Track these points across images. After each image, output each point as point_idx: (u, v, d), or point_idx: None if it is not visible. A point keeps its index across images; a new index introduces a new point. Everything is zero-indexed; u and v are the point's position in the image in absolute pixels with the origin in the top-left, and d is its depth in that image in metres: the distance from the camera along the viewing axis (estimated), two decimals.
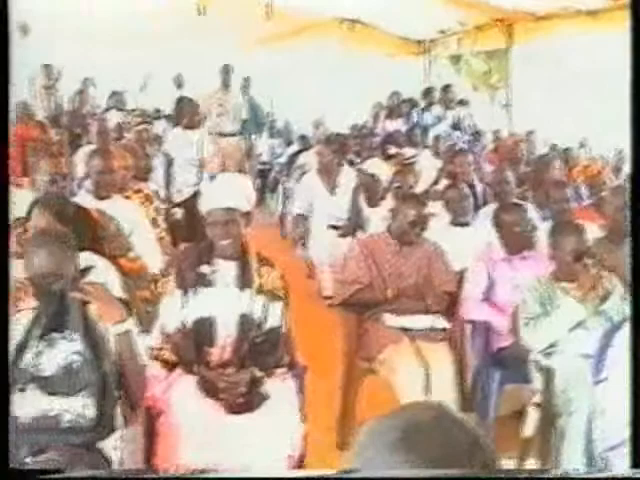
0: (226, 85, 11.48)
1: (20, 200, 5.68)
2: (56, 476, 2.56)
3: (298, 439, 3.88)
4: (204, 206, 4.07)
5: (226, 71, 11.42)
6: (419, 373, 4.61)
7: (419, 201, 5.25)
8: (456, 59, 15.16)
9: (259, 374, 3.89)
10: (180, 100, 10.22)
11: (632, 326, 2.82)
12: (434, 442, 1.47)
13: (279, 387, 3.94)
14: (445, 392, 4.54)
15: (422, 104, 12.16)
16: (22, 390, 3.28)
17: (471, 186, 6.75)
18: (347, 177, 8.17)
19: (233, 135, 11.27)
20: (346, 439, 4.84)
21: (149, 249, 5.38)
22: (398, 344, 4.76)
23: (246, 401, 3.80)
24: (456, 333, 4.94)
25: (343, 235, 7.66)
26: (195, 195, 8.68)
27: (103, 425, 3.32)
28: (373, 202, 7.48)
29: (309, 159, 9.78)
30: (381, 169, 7.96)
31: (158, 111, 12.96)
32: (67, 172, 5.37)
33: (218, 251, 4.04)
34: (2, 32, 2.50)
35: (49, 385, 3.29)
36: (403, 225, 5.06)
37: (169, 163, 8.70)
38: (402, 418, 1.54)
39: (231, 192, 4.06)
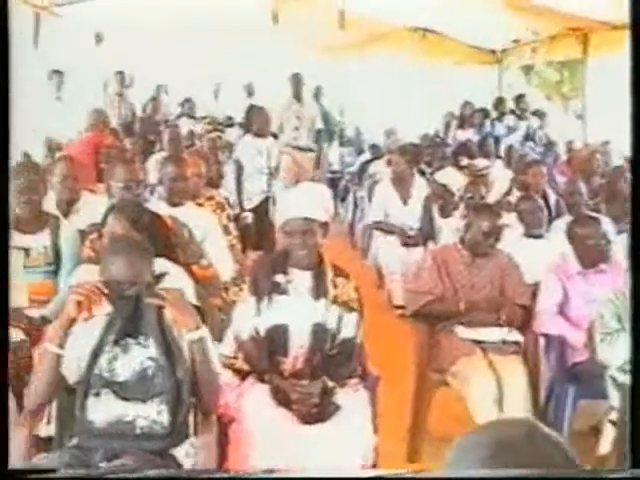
0: (299, 97, 11.44)
1: (94, 206, 5.76)
2: (53, 476, 2.56)
3: (370, 450, 3.85)
4: (281, 215, 4.07)
5: (297, 81, 11.40)
6: (492, 386, 4.56)
7: (493, 212, 5.20)
8: (528, 68, 15.02)
9: (331, 384, 3.88)
10: (250, 108, 10.29)
11: (632, 325, 2.73)
12: (526, 459, 1.45)
13: (351, 398, 3.92)
14: (518, 406, 4.49)
15: (494, 114, 12.07)
16: (97, 395, 3.31)
17: (544, 198, 6.66)
18: (419, 187, 8.15)
19: (310, 150, 11.18)
20: (417, 451, 4.82)
21: (221, 256, 5.39)
22: (471, 356, 4.71)
23: (319, 411, 3.79)
24: (530, 346, 4.87)
25: (414, 245, 7.62)
26: (265, 202, 8.73)
27: (177, 432, 3.32)
28: (446, 212, 7.43)
29: (380, 168, 9.75)
30: (453, 179, 7.91)
31: (230, 118, 13.07)
32: (142, 179, 5.40)
33: (294, 261, 4.04)
34: (2, 32, 2.47)
35: (123, 390, 3.31)
36: (476, 236, 5.01)
37: (240, 170, 8.76)
38: (492, 434, 1.52)
39: (309, 202, 4.04)
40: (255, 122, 9.45)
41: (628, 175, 7.28)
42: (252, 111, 9.95)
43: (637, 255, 2.66)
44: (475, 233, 5.01)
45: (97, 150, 8.41)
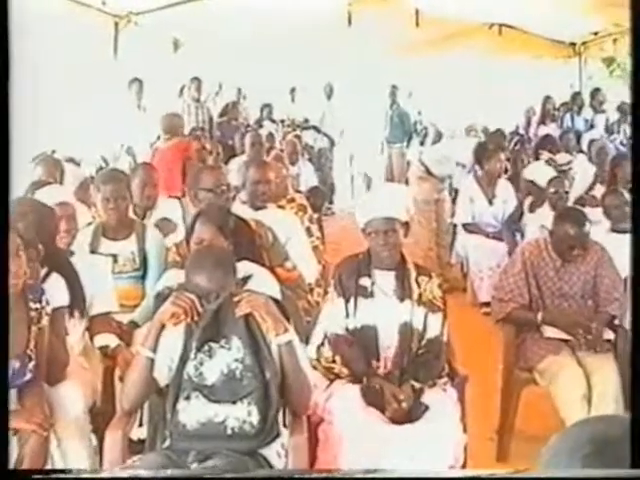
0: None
1: (176, 212, 5.81)
2: (56, 476, 2.59)
3: (459, 450, 3.83)
4: (363, 216, 4.08)
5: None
6: (580, 383, 4.48)
7: (580, 216, 4.94)
8: (610, 60, 14.76)
9: (420, 385, 3.88)
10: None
11: (632, 324, 2.64)
12: (626, 456, 1.43)
13: (440, 397, 3.92)
14: (607, 404, 4.40)
15: (575, 108, 11.90)
16: (187, 398, 3.35)
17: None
18: (503, 185, 8.08)
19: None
20: (506, 450, 4.77)
21: (304, 258, 5.39)
22: (558, 354, 4.64)
23: (408, 411, 3.79)
24: (621, 343, 4.76)
25: (499, 240, 7.58)
26: None
27: (267, 431, 3.35)
28: (532, 208, 7.34)
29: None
30: (540, 174, 7.78)
31: (307, 121, 13.12)
32: (226, 183, 5.42)
33: (377, 262, 4.06)
34: (2, 31, 2.48)
35: (213, 393, 3.34)
36: (563, 243, 4.80)
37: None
38: (589, 432, 1.50)
39: (390, 202, 4.06)
40: None
41: None
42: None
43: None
44: (562, 240, 4.81)
45: (182, 156, 8.43)
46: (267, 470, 3.27)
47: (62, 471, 3.24)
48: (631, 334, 2.58)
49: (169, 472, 3.10)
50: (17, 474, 2.72)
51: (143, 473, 3.07)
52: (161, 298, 3.55)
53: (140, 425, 3.80)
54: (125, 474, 3.05)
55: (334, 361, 4.00)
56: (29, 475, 2.68)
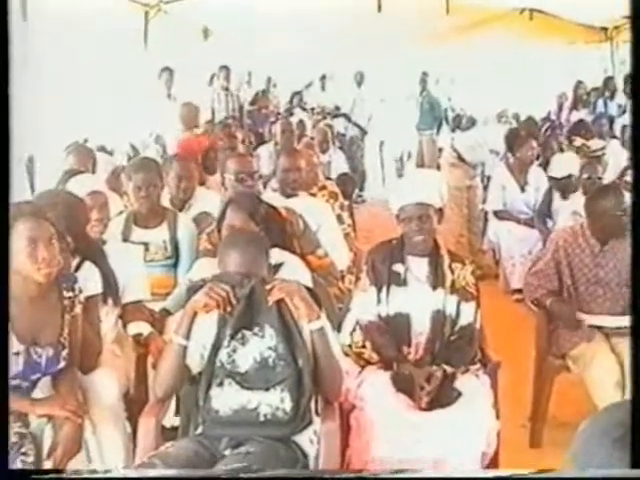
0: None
1: (205, 199, 5.81)
2: (53, 476, 2.59)
3: (492, 436, 3.83)
4: (396, 202, 4.07)
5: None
6: (614, 370, 4.45)
7: (615, 190, 4.86)
8: None
9: (452, 370, 3.87)
10: None
11: (633, 324, 2.61)
12: None
13: (473, 384, 3.91)
14: None
15: (607, 93, 11.81)
16: (220, 385, 3.36)
17: None
18: (536, 171, 8.04)
19: None
20: (538, 437, 4.76)
21: (336, 246, 5.39)
22: (591, 341, 4.61)
23: (440, 397, 3.78)
24: None
25: (531, 226, 7.55)
26: None
27: (300, 418, 3.35)
28: (564, 195, 7.31)
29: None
30: (568, 161, 7.74)
31: (337, 108, 13.10)
32: (255, 171, 5.43)
33: (410, 248, 4.05)
34: (1, 26, 2.48)
35: (246, 380, 3.35)
36: (600, 221, 4.70)
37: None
38: (619, 416, 1.49)
39: (424, 187, 4.05)
40: None
41: None
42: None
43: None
44: (600, 217, 4.69)
45: (201, 148, 8.42)
46: (292, 470, 3.27)
47: (57, 471, 3.25)
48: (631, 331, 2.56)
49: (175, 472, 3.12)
50: (17, 474, 2.73)
51: (171, 473, 3.07)
52: (193, 289, 3.54)
53: (176, 414, 3.81)
54: (125, 473, 3.07)
55: (364, 346, 4.01)
56: (29, 475, 2.70)
